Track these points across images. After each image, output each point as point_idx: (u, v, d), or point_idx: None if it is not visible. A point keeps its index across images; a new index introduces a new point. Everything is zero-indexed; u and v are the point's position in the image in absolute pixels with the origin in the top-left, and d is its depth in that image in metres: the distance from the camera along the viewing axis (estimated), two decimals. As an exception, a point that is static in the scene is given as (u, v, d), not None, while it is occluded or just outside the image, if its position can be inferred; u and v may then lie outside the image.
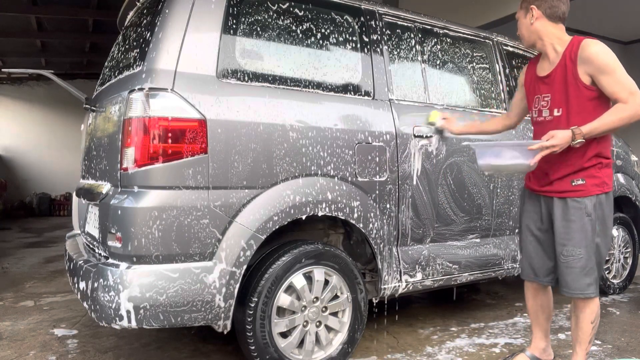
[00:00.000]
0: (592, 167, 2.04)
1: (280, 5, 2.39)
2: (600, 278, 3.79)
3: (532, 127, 2.30)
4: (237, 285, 2.12)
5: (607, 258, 3.70)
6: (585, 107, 2.02)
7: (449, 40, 3.06)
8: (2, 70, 4.29)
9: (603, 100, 2.02)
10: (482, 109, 3.08)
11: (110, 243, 2.02)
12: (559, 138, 1.94)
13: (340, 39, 2.54)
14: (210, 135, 2.06)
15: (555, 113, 2.10)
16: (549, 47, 2.13)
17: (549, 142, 1.94)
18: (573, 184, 2.06)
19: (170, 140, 1.99)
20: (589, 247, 2.06)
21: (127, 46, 2.56)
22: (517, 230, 3.15)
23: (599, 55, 1.97)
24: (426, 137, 2.70)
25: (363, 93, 2.56)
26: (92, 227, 2.41)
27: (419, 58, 2.87)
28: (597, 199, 2.05)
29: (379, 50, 2.65)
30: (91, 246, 2.43)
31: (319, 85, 2.42)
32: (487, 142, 2.25)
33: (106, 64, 2.95)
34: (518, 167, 2.07)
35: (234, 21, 2.23)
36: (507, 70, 3.29)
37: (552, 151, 1.96)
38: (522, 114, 2.46)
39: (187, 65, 2.08)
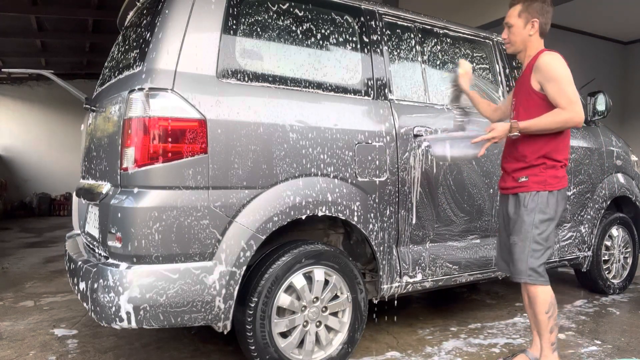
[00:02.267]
0: (537, 167, 2.22)
1: (280, 5, 2.39)
2: (600, 278, 3.84)
3: None
4: (237, 286, 2.12)
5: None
6: (531, 112, 2.21)
7: (449, 40, 3.06)
8: (2, 70, 4.29)
9: (549, 108, 2.18)
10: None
11: (110, 243, 2.02)
12: (498, 130, 2.17)
13: (340, 39, 2.54)
14: (210, 136, 2.06)
15: (514, 115, 2.33)
16: (527, 58, 2.29)
17: (489, 135, 2.18)
18: (519, 180, 2.26)
19: (170, 141, 1.99)
20: (525, 237, 2.21)
21: (127, 46, 2.56)
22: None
23: (547, 65, 2.15)
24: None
25: (363, 93, 2.56)
26: (92, 227, 2.41)
27: (419, 58, 2.87)
28: (537, 194, 2.21)
29: (379, 50, 2.65)
30: (91, 246, 2.43)
31: (319, 86, 2.42)
32: (438, 135, 2.54)
33: (106, 64, 2.95)
34: (469, 156, 2.36)
35: (234, 21, 2.23)
36: (507, 71, 3.29)
37: (494, 142, 2.20)
38: (506, 114, 2.56)
39: (187, 66, 2.08)
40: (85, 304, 2.10)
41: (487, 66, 3.21)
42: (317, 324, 2.37)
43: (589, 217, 3.64)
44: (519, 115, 2.28)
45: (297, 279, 2.30)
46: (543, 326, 2.23)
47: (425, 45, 2.92)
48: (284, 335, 2.30)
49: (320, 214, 2.32)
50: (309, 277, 2.34)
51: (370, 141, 2.50)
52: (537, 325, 2.26)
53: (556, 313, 2.25)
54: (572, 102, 2.11)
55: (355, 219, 2.43)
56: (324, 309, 2.38)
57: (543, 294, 2.21)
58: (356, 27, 2.61)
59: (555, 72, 2.13)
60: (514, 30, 2.27)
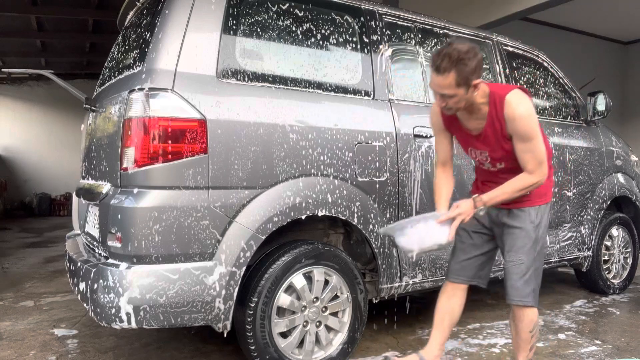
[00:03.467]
0: None
1: (281, 5, 2.39)
2: (600, 278, 3.84)
3: (475, 168, 2.28)
4: (237, 286, 2.12)
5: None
6: (515, 159, 2.04)
7: (449, 40, 3.06)
8: (2, 70, 4.29)
9: None
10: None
11: (110, 243, 2.02)
12: (463, 207, 1.99)
13: (341, 39, 2.54)
14: (210, 136, 2.06)
15: (499, 166, 2.13)
16: (479, 107, 2.02)
17: (455, 212, 1.98)
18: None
19: (170, 141, 1.99)
20: (529, 254, 2.08)
21: (127, 46, 2.56)
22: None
23: (522, 121, 1.92)
24: (426, 137, 2.70)
25: (363, 93, 2.56)
26: (92, 227, 2.41)
27: (419, 58, 2.87)
28: (539, 209, 2.10)
29: (379, 50, 2.65)
30: (91, 246, 2.43)
31: (319, 86, 2.42)
32: (394, 225, 2.11)
33: (106, 64, 2.95)
34: (440, 245, 2.01)
35: (234, 21, 2.23)
36: (507, 71, 3.29)
37: (460, 220, 1.99)
38: (452, 156, 2.32)
39: (187, 66, 2.08)
40: (85, 304, 2.10)
41: (487, 66, 3.21)
42: (317, 324, 2.37)
43: (589, 217, 3.64)
44: (511, 165, 2.07)
45: (297, 279, 2.30)
46: (525, 344, 2.18)
47: (425, 45, 2.92)
48: (284, 335, 2.30)
49: (320, 214, 2.32)
50: (309, 277, 2.34)
51: (370, 141, 2.50)
52: (518, 342, 2.19)
53: (538, 333, 2.16)
54: (541, 164, 1.95)
55: (356, 219, 2.43)
56: (324, 309, 2.38)
57: (533, 314, 2.12)
58: (356, 27, 2.61)
59: (530, 128, 1.92)
60: (456, 99, 1.93)
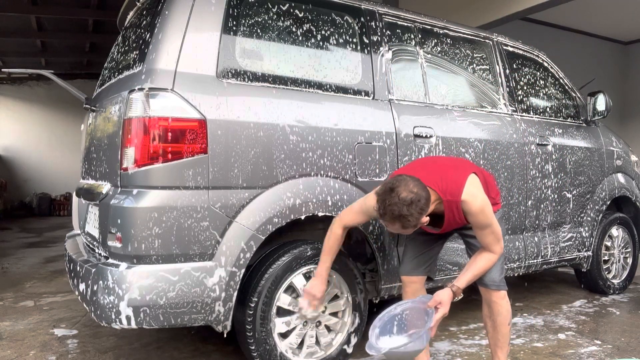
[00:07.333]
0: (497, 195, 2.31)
1: (281, 6, 2.39)
2: (600, 278, 3.84)
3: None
4: (237, 287, 2.12)
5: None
6: None
7: (449, 40, 3.06)
8: (2, 70, 4.28)
9: None
10: (482, 109, 3.07)
11: (110, 243, 2.02)
12: (446, 303, 1.99)
13: (341, 39, 2.54)
14: (210, 136, 2.06)
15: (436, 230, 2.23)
16: (432, 213, 2.07)
17: (441, 313, 1.97)
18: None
19: (170, 141, 1.99)
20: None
21: (126, 47, 2.56)
22: (516, 231, 3.16)
23: (480, 215, 2.03)
24: (426, 137, 2.70)
25: (363, 94, 2.56)
26: (92, 227, 2.41)
27: (419, 58, 2.87)
28: (499, 213, 2.28)
29: (379, 50, 2.65)
30: (91, 246, 2.43)
31: (319, 86, 2.42)
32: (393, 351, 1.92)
33: (106, 64, 2.95)
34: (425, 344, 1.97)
35: (234, 22, 2.23)
36: (507, 71, 3.29)
37: (444, 314, 1.99)
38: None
39: (187, 66, 2.08)
40: (85, 304, 2.10)
41: (487, 67, 3.21)
42: (317, 324, 2.37)
43: (589, 217, 3.64)
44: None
45: (297, 279, 2.30)
46: (505, 339, 2.22)
47: (425, 45, 2.92)
48: (284, 335, 2.30)
49: (320, 214, 2.32)
50: (309, 277, 2.34)
51: (370, 141, 2.50)
52: (499, 337, 2.22)
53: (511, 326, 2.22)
54: (499, 241, 2.09)
55: (355, 219, 2.43)
56: (323, 309, 2.38)
57: (508, 304, 2.23)
58: (356, 28, 2.61)
59: (487, 220, 2.04)
60: (409, 231, 1.96)
